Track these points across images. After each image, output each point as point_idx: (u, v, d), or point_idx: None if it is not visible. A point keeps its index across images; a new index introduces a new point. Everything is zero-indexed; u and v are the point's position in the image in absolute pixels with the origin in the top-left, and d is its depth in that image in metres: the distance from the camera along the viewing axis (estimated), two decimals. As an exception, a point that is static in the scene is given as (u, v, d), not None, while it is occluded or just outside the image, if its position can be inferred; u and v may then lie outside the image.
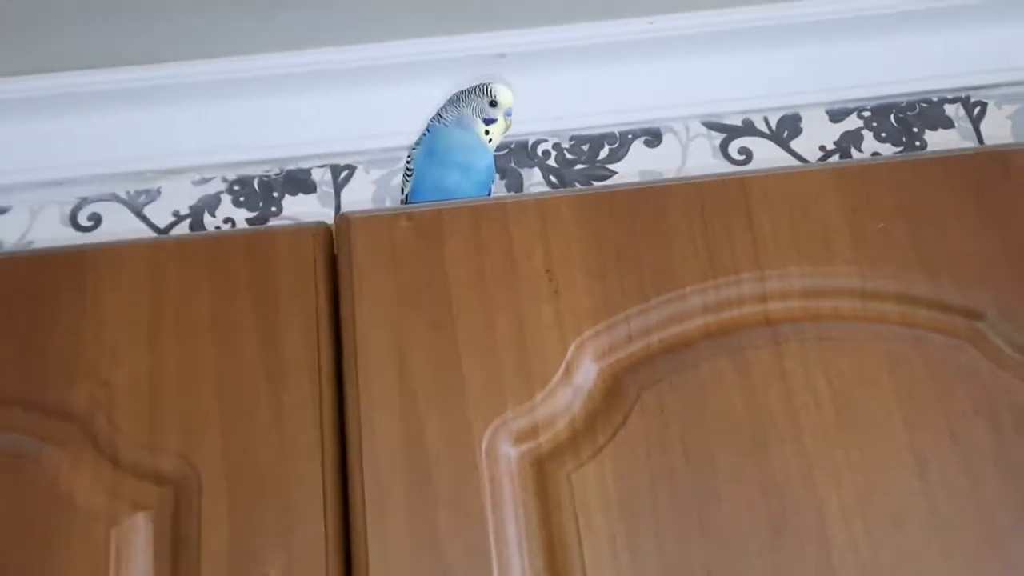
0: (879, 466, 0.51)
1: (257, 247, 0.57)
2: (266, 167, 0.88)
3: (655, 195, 0.57)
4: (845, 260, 0.56)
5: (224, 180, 0.88)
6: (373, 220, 0.57)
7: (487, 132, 0.72)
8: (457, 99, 0.73)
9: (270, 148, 0.88)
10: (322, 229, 0.58)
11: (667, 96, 0.90)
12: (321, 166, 0.88)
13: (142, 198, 0.87)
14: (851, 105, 0.90)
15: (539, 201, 0.57)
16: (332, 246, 0.58)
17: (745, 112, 0.90)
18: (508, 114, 0.73)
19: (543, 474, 0.52)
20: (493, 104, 0.72)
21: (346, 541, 0.51)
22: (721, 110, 0.90)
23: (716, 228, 0.56)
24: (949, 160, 0.58)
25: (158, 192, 0.87)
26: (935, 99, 0.90)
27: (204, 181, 0.88)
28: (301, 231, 0.57)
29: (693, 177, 0.58)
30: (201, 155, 0.88)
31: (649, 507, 0.51)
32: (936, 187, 0.57)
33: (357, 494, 0.51)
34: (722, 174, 0.59)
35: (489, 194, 0.73)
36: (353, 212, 0.58)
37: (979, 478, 0.51)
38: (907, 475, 0.51)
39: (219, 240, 0.57)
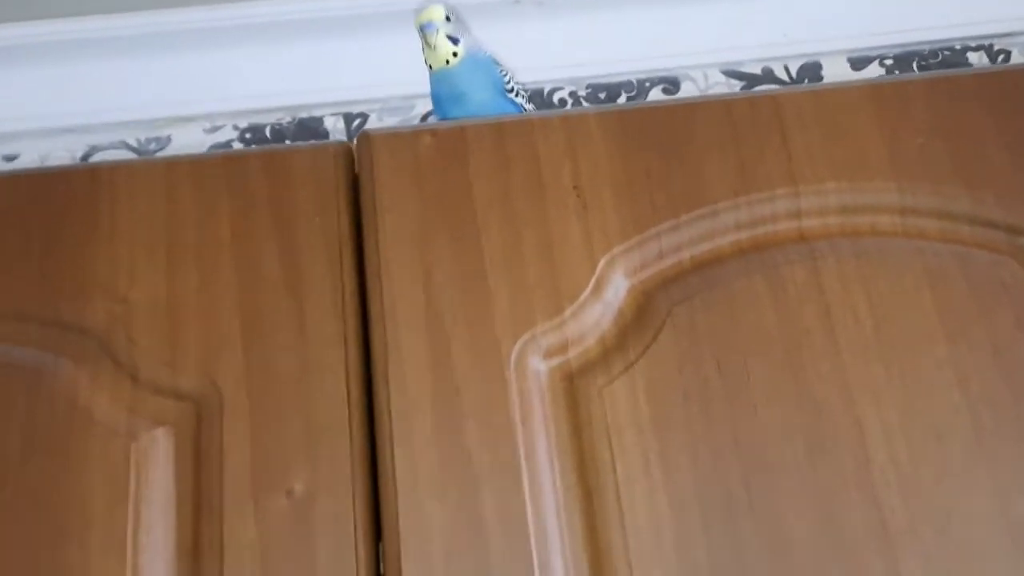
0: (920, 382, 0.50)
1: (276, 166, 0.55)
2: (278, 115, 0.86)
3: (685, 113, 0.56)
4: (883, 176, 0.54)
5: (235, 128, 0.86)
6: (395, 137, 0.56)
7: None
8: None
9: (282, 96, 0.86)
10: (343, 148, 0.56)
11: (685, 44, 0.88)
12: (334, 114, 0.87)
13: (152, 145, 0.85)
14: (873, 53, 0.88)
15: (566, 118, 0.56)
16: (353, 165, 0.57)
17: (765, 60, 0.88)
18: (426, 28, 0.64)
19: (573, 389, 0.50)
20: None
21: (372, 456, 0.50)
22: (740, 58, 0.88)
23: (748, 145, 0.55)
24: (986, 77, 0.56)
25: (168, 139, 0.86)
26: (958, 47, 0.89)
27: (215, 129, 0.86)
28: (322, 149, 0.56)
29: (723, 95, 0.57)
30: (212, 103, 0.86)
31: (682, 422, 0.49)
32: (974, 104, 0.56)
33: (383, 409, 0.49)
34: (753, 94, 0.57)
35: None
36: (375, 129, 0.56)
37: (1022, 393, 0.49)
38: (949, 391, 0.50)
39: (236, 159, 0.56)
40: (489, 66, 0.66)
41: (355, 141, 0.57)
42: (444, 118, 0.64)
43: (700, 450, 0.49)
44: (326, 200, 0.55)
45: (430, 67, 0.65)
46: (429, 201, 0.54)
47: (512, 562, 0.46)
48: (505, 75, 0.66)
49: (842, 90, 0.56)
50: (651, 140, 0.55)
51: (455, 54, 0.63)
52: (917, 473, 0.48)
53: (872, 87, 0.56)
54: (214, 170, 0.55)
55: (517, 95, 0.66)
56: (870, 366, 0.50)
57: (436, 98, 0.65)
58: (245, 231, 0.54)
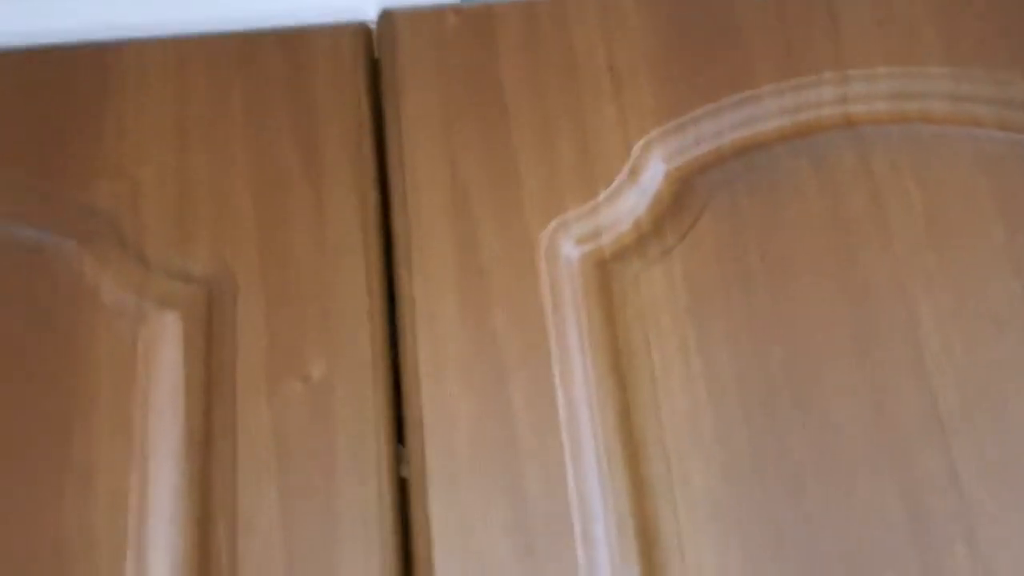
0: (976, 271, 0.47)
1: (292, 45, 0.52)
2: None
3: (726, -7, 0.53)
4: (936, 61, 0.51)
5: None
6: (418, 16, 0.52)
7: None
8: None
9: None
10: (363, 28, 0.53)
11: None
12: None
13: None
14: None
15: (600, -2, 0.53)
16: (373, 45, 0.54)
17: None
18: None
19: (607, 275, 0.47)
20: None
21: (393, 342, 0.47)
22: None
23: (795, 27, 0.52)
24: (1048, -42, 0.53)
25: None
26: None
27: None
28: (340, 28, 0.53)
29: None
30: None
31: (722, 311, 0.46)
32: (1034, -14, 0.52)
33: (405, 295, 0.47)
34: (798, -25, 0.54)
35: None
36: (396, 8, 0.53)
37: (1085, 284, 0.47)
38: (1006, 280, 0.47)
39: (250, 38, 0.53)
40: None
41: (376, 20, 0.54)
42: None
43: (741, 338, 0.46)
44: (345, 81, 0.51)
45: None
46: (454, 82, 0.51)
47: (542, 453, 0.44)
48: None
49: (893, -29, 0.53)
50: (691, 20, 0.52)
51: None
52: (972, 361, 0.45)
53: (925, -33, 0.53)
54: (226, 48, 0.52)
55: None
56: (922, 254, 0.47)
57: None
58: (259, 112, 0.51)
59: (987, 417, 0.44)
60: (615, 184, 0.49)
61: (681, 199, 0.49)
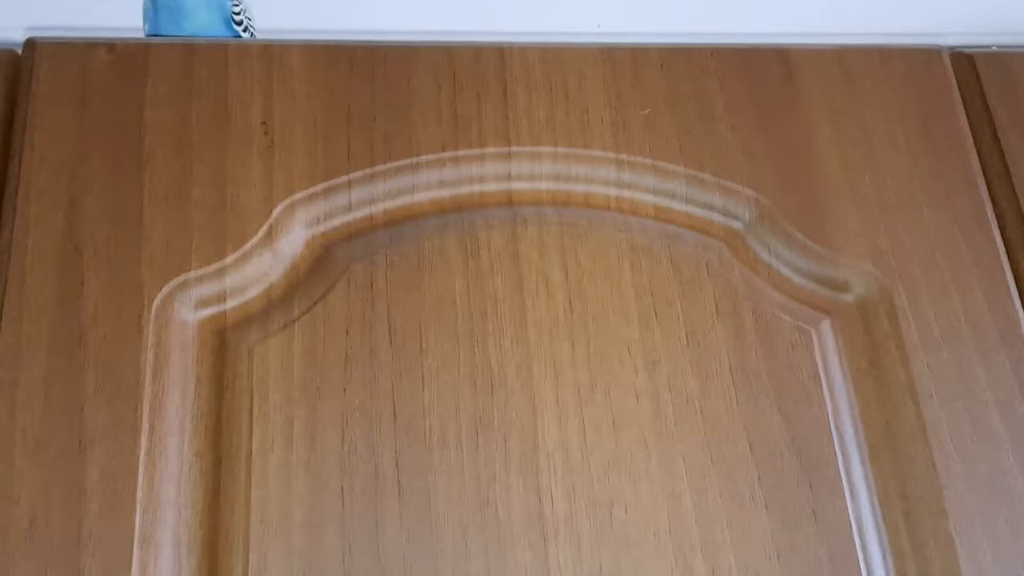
0: (605, 365, 0.46)
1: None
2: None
3: (402, 54, 0.51)
4: (603, 146, 0.50)
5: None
6: (65, 47, 0.48)
7: None
8: None
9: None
10: (8, 55, 0.49)
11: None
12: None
13: None
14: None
15: (267, 48, 0.50)
16: (18, 74, 0.49)
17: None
18: None
19: (224, 345, 0.44)
20: None
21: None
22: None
23: (465, 97, 0.50)
24: (726, 53, 0.53)
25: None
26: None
27: None
28: (-20, 53, 0.49)
29: (447, 42, 0.52)
30: None
31: (338, 390, 0.44)
32: (709, 79, 0.52)
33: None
34: (478, 43, 0.52)
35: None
36: (43, 37, 0.49)
37: (710, 382, 0.46)
38: (633, 376, 0.46)
39: None
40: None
41: (22, 47, 0.50)
42: (154, 34, 0.57)
43: (354, 420, 0.43)
44: (-25, 109, 0.47)
45: None
46: (92, 123, 0.47)
47: (108, 537, 0.40)
48: (237, 3, 0.59)
49: (574, 49, 0.52)
50: (359, 80, 0.50)
51: None
52: (585, 461, 0.44)
53: (604, 50, 0.52)
54: None
55: (245, 29, 0.59)
56: (556, 343, 0.46)
57: (148, 8, 0.57)
58: None
59: (588, 522, 0.43)
60: (248, 246, 0.46)
61: (319, 268, 0.46)
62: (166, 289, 0.44)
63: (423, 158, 0.49)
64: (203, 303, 0.45)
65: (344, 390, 0.44)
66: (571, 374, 0.45)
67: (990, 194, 0.52)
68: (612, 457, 0.44)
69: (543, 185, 0.49)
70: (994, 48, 0.56)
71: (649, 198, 0.50)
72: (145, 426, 0.42)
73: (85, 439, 0.41)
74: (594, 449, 0.44)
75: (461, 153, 0.49)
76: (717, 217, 0.50)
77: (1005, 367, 0.47)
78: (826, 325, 0.48)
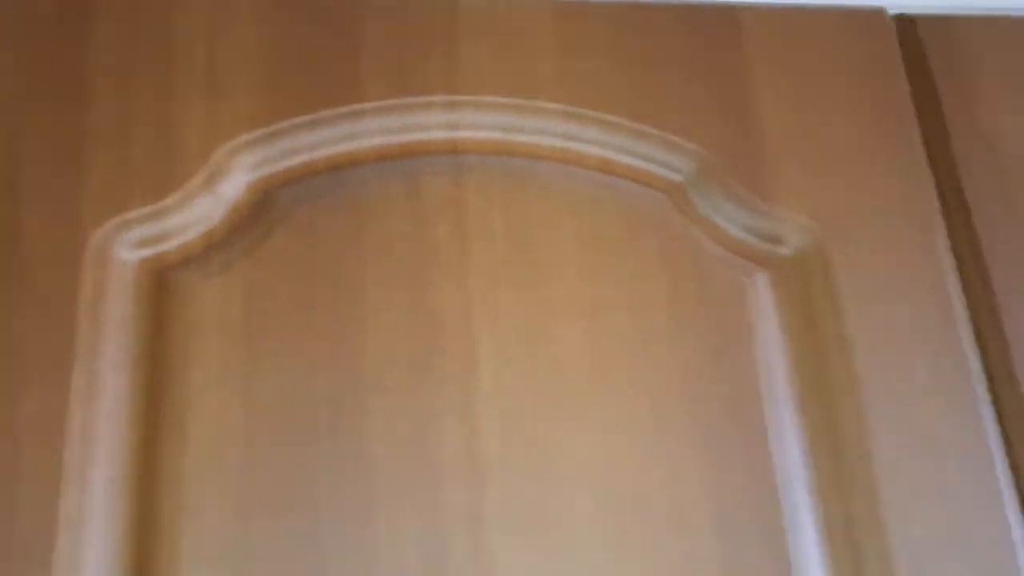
0: (542, 312, 0.46)
1: None
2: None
3: (352, 3, 0.51)
4: (549, 97, 0.50)
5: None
6: (7, -15, 0.48)
7: None
8: None
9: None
10: (-54, -8, 0.49)
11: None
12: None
13: None
14: None
15: (213, -10, 0.50)
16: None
17: None
18: None
19: (162, 285, 0.44)
20: None
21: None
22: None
23: (413, 46, 0.50)
24: (675, 9, 0.53)
25: None
26: None
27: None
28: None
29: (397, -10, 0.52)
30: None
31: (277, 331, 0.44)
32: (659, 35, 0.53)
33: (-79, 286, 0.42)
34: (433, -5, 0.52)
35: None
36: (-15, -26, 0.49)
37: (648, 331, 0.47)
38: (570, 325, 0.46)
39: None
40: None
41: (-37, -15, 0.49)
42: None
43: (292, 362, 0.44)
44: (-90, 46, 0.47)
45: None
46: (36, 62, 0.47)
47: (38, 472, 0.40)
48: None
49: (523, 1, 0.52)
50: (306, 25, 0.50)
51: None
52: (521, 405, 0.44)
53: (554, 2, 0.52)
54: None
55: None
56: (495, 290, 0.46)
57: None
58: None
59: (523, 465, 0.43)
60: (189, 187, 0.46)
61: (261, 211, 0.46)
62: (105, 228, 0.44)
63: (368, 105, 0.49)
64: (143, 243, 0.45)
65: (282, 332, 0.44)
66: (511, 320, 0.46)
67: (927, 154, 0.53)
68: (549, 402, 0.45)
69: (488, 135, 0.50)
70: (937, 12, 0.57)
71: (593, 150, 0.50)
72: (81, 363, 0.42)
73: (22, 375, 0.41)
74: (531, 393, 0.45)
75: (406, 101, 0.49)
76: (660, 170, 0.50)
77: (934, 319, 0.48)
78: (763, 277, 0.49)
